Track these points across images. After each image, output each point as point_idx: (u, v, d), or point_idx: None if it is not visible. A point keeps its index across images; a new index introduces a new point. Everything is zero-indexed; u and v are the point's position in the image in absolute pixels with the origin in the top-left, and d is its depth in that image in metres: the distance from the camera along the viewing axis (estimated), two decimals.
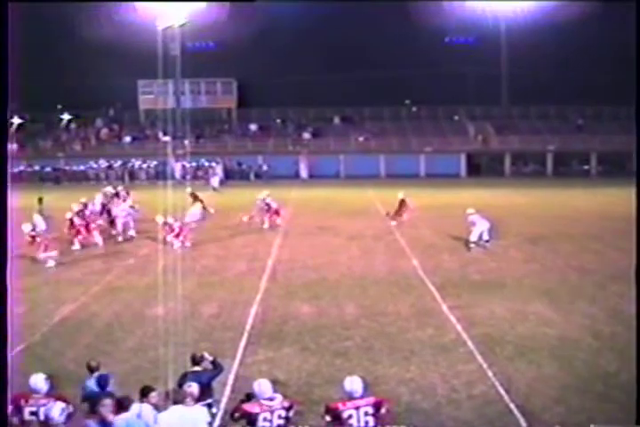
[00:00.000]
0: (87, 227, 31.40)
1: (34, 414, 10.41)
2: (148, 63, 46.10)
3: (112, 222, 34.67)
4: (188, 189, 40.17)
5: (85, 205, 34.73)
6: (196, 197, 39.14)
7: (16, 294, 22.90)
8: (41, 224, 32.70)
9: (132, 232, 33.91)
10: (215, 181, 58.91)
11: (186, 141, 57.90)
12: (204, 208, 37.59)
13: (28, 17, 62.81)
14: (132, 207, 35.56)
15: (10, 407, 10.44)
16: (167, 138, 62.33)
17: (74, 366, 15.18)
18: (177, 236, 30.43)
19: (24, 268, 27.23)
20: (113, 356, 16.41)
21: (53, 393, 10.80)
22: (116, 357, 16.37)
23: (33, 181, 63.60)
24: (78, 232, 31.22)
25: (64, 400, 10.64)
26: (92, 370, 12.07)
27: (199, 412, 10.07)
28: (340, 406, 9.99)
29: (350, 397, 10.08)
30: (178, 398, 10.23)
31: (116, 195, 41.27)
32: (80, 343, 17.57)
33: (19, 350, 16.84)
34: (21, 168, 67.67)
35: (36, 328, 18.91)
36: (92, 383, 11.50)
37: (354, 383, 10.18)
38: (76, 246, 30.83)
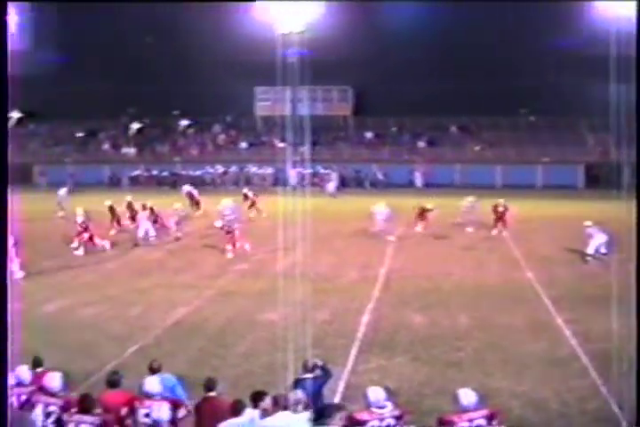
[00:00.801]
0: (91, 233, 31.97)
1: (148, 416, 10.55)
2: (265, 70, 46.45)
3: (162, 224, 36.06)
4: (244, 190, 40.99)
5: (112, 208, 37.23)
6: (247, 198, 39.89)
7: (130, 295, 23.42)
8: (151, 231, 33.44)
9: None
10: (331, 187, 59.18)
11: (302, 148, 58.17)
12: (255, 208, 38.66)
13: (149, 24, 64.14)
14: (237, 209, 36.86)
15: (124, 409, 10.58)
16: (283, 144, 62.71)
17: (186, 369, 15.34)
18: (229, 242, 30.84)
19: (138, 270, 27.76)
20: (225, 360, 16.57)
21: (167, 396, 10.93)
22: (227, 361, 16.52)
23: (150, 184, 64.71)
24: (90, 237, 31.87)
25: (175, 403, 10.76)
26: (153, 371, 12.16)
27: (306, 419, 10.02)
28: (456, 418, 9.85)
29: (464, 409, 9.94)
30: (286, 404, 10.21)
31: (190, 196, 42.52)
32: (192, 347, 17.78)
33: (132, 351, 17.12)
34: (138, 172, 68.86)
35: (149, 330, 19.21)
36: (151, 383, 11.58)
37: (469, 396, 10.03)
38: (80, 252, 31.40)
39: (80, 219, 31.92)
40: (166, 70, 67.66)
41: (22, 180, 53.89)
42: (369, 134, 73.26)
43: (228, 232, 30.96)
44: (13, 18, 57.81)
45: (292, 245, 28.01)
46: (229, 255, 30.18)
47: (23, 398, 10.83)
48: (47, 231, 35.86)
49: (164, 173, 67.73)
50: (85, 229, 31.68)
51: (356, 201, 50.45)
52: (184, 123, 77.28)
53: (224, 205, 37.69)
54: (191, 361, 16.42)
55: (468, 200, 37.82)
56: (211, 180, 66.29)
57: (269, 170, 66.60)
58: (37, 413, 10.41)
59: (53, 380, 10.77)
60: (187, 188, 46.72)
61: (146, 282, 25.31)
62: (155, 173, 68.33)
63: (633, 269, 25.11)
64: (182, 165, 69.18)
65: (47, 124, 76.72)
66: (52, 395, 10.61)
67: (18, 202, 36.09)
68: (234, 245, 30.67)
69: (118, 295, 23.41)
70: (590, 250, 28.72)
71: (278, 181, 61.26)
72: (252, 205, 41.19)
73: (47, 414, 10.38)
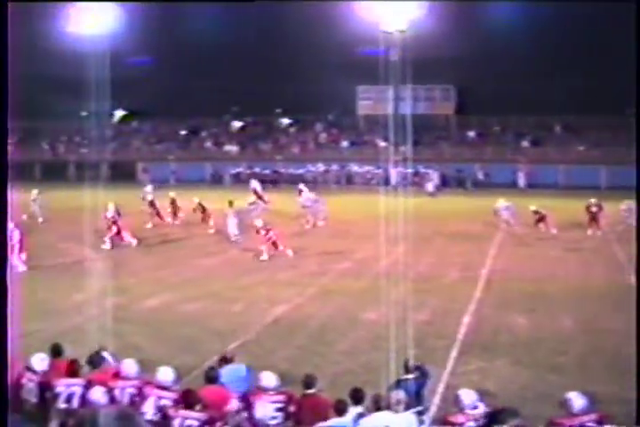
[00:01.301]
0: (119, 227, 32.51)
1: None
2: (367, 69, 46.39)
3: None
4: (300, 186, 42.45)
5: (152, 203, 38.56)
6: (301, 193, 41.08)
7: (232, 292, 23.62)
8: (233, 229, 33.65)
9: (320, 223, 36.67)
10: (430, 187, 58.92)
11: (403, 147, 57.90)
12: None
13: (252, 23, 64.67)
14: (316, 201, 38.40)
15: (233, 404, 10.70)
16: (385, 143, 62.59)
17: (286, 366, 15.40)
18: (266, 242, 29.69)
19: (239, 266, 27.97)
20: (325, 358, 16.58)
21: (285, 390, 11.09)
22: (328, 359, 16.54)
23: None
24: (118, 231, 32.44)
25: (291, 397, 10.87)
26: (226, 361, 12.58)
27: (406, 419, 9.95)
28: (566, 422, 9.74)
29: (575, 413, 9.79)
30: (386, 404, 10.15)
31: (254, 192, 42.82)
32: (293, 344, 17.86)
33: (233, 347, 17.24)
34: (240, 170, 69.29)
35: (250, 327, 19.34)
36: (268, 378, 11.63)
37: (579, 400, 9.88)
38: (107, 246, 31.76)
39: (110, 214, 32.48)
40: (269, 69, 68.11)
41: (126, 176, 54.83)
42: (471, 133, 72.67)
43: (267, 232, 29.90)
44: (119, 18, 58.82)
45: (392, 245, 27.85)
46: (264, 257, 29.21)
47: (129, 391, 11.00)
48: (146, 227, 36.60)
49: (266, 171, 68.00)
50: (114, 224, 32.30)
51: (457, 201, 50.15)
52: (286, 121, 77.74)
53: (305, 197, 38.29)
54: (291, 358, 16.49)
55: (625, 203, 36.78)
56: (312, 178, 66.44)
57: (370, 169, 66.42)
58: (147, 406, 10.56)
59: (166, 374, 11.00)
60: (253, 183, 47.26)
61: (248, 279, 25.51)
62: (256, 170, 68.64)
63: None
64: (284, 163, 69.49)
65: (150, 121, 77.98)
66: (165, 389, 10.81)
67: (119, 197, 36.82)
68: (275, 247, 29.72)
69: (220, 292, 23.65)
70: None
71: (379, 180, 61.12)
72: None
73: (158, 408, 10.55)
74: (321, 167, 68.00)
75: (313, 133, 75.30)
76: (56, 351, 12.69)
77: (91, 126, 59.89)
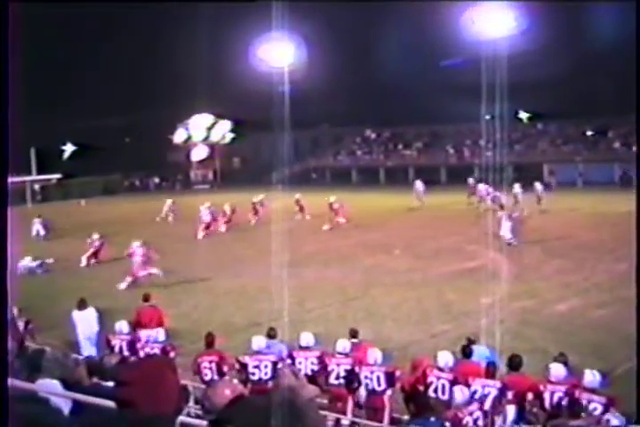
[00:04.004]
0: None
1: None
2: None
3: None
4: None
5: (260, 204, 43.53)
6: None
7: None
8: (506, 232, 33.27)
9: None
10: None
11: None
12: None
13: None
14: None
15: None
16: None
17: None
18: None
19: None
20: None
21: None
22: None
23: None
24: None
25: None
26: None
27: None
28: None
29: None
30: None
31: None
32: None
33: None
34: None
35: None
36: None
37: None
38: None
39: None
40: None
41: (532, 179, 54.39)
42: None
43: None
44: (518, 19, 58.58)
45: None
46: None
47: (558, 395, 11.62)
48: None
49: None
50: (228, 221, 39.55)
51: None
52: None
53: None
54: None
55: None
56: None
57: None
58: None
59: (594, 375, 11.49)
60: (480, 187, 46.47)
61: None
62: None
63: None
64: None
65: (556, 123, 77.41)
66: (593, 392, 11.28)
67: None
68: None
69: (632, 297, 22.96)
70: None
71: None
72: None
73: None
74: None
75: None
76: (466, 352, 13.15)
77: (495, 129, 60.40)
